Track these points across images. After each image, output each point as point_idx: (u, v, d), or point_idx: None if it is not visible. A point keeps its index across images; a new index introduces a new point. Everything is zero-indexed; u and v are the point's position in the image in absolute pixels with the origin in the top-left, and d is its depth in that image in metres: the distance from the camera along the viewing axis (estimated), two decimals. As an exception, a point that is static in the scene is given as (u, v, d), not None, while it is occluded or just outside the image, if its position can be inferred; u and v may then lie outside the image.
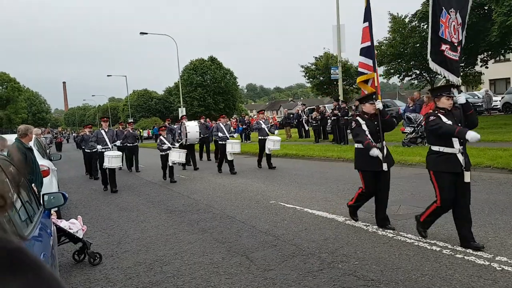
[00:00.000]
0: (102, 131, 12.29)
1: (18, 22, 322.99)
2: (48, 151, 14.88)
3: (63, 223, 5.48)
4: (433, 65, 5.51)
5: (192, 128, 16.24)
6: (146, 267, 5.24)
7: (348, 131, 19.92)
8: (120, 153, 12.07)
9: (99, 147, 11.96)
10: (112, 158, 11.29)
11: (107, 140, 12.15)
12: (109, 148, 12.10)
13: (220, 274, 4.81)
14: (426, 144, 14.69)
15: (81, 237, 5.56)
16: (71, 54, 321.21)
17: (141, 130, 52.43)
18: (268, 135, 14.09)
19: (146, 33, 37.91)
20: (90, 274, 5.19)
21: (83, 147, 16.63)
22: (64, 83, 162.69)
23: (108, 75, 68.74)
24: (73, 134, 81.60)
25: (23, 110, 79.64)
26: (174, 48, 38.51)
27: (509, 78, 34.78)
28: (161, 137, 13.10)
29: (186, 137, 15.60)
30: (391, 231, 5.91)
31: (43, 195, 3.91)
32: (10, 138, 6.95)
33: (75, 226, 5.58)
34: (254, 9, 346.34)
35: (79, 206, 9.98)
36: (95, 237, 6.71)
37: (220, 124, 14.28)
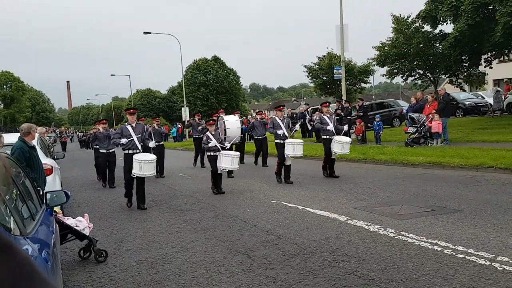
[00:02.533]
0: (129, 127, 8.95)
1: (19, 22, 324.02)
2: (52, 150, 14.95)
3: (70, 221, 5.51)
4: None
5: (233, 123, 13.36)
6: (148, 266, 5.27)
7: (352, 130, 19.94)
8: (155, 156, 8.98)
9: (123, 140, 8.80)
10: (145, 164, 8.49)
11: (135, 138, 8.89)
12: (139, 150, 8.89)
13: (221, 272, 4.83)
14: (429, 144, 14.73)
15: (87, 234, 5.60)
16: (74, 54, 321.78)
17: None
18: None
19: (150, 33, 38.04)
20: (92, 272, 5.22)
21: (96, 146, 13.70)
22: (67, 82, 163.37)
23: (111, 75, 68.96)
24: (77, 133, 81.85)
25: (27, 109, 79.96)
26: (176, 48, 38.74)
27: (514, 79, 34.64)
28: (209, 133, 10.18)
29: (225, 135, 12.53)
30: (392, 230, 5.92)
31: (46, 193, 3.94)
32: (14, 137, 7.00)
33: (81, 223, 5.61)
34: (256, 9, 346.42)
35: (82, 204, 10.02)
36: (97, 236, 6.72)
37: (277, 119, 11.15)
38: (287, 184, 10.55)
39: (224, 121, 13.19)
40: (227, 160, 9.71)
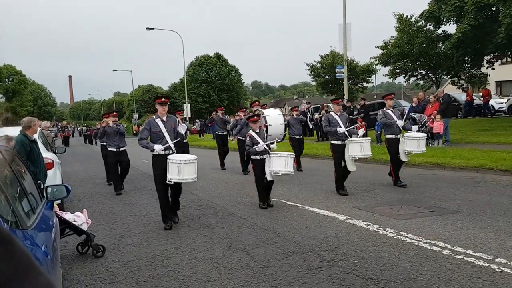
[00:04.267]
0: (158, 121, 7.00)
1: (23, 16, 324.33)
2: (53, 144, 14.94)
3: (68, 216, 5.53)
4: None
5: (275, 119, 10.96)
6: (147, 261, 5.28)
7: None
8: (195, 156, 7.02)
9: (157, 147, 6.85)
10: (185, 165, 6.61)
11: (167, 136, 6.92)
12: (172, 150, 6.99)
13: (220, 269, 4.85)
14: (430, 145, 14.72)
15: (85, 230, 5.62)
16: (77, 49, 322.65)
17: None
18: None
19: (152, 28, 37.99)
20: (91, 266, 5.24)
21: (103, 143, 11.89)
22: (70, 76, 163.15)
23: (113, 70, 68.97)
24: (79, 128, 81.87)
25: (28, 103, 79.95)
26: (178, 44, 38.68)
27: (516, 80, 34.63)
28: (252, 132, 8.05)
29: (266, 132, 10.07)
30: (391, 230, 5.93)
31: (47, 187, 3.95)
32: (15, 130, 7.01)
33: (80, 219, 5.64)
34: (258, 8, 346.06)
35: (82, 199, 10.04)
36: (97, 230, 6.75)
37: (333, 114, 8.96)
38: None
39: (265, 117, 10.71)
40: (280, 162, 7.80)
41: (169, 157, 6.69)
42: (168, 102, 7.19)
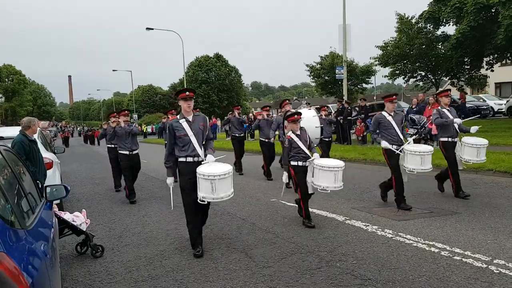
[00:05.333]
0: (183, 122, 5.50)
1: (23, 16, 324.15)
2: (52, 144, 14.94)
3: (67, 216, 5.54)
4: None
5: (309, 121, 9.62)
6: (146, 261, 5.29)
7: (352, 131, 19.95)
8: (230, 166, 5.41)
9: (169, 181, 5.86)
10: (219, 181, 5.18)
11: (193, 140, 5.47)
12: (200, 157, 5.50)
13: (219, 269, 4.85)
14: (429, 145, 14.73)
15: (84, 229, 5.62)
16: (76, 49, 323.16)
17: (145, 126, 52.42)
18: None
19: (152, 29, 38.04)
20: (90, 266, 5.24)
21: (110, 145, 10.93)
22: (69, 76, 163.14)
23: (113, 70, 68.84)
24: (78, 128, 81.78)
25: (28, 102, 79.97)
26: (178, 45, 38.67)
27: (515, 82, 34.68)
28: (292, 134, 6.71)
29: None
30: (390, 231, 5.93)
31: (46, 187, 3.95)
32: (15, 130, 7.02)
33: (78, 219, 5.65)
34: (258, 9, 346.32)
35: (81, 199, 10.04)
36: (96, 230, 6.76)
37: (385, 114, 7.46)
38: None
39: None
40: (328, 177, 6.35)
41: (198, 170, 5.22)
42: (194, 96, 5.61)
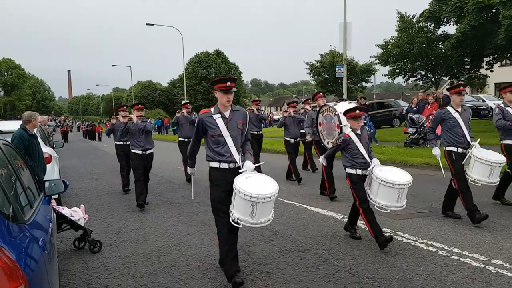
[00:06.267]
0: (219, 119, 4.41)
1: (23, 10, 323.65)
2: (51, 138, 14.92)
3: (65, 210, 5.54)
4: None
5: None
6: (144, 257, 5.29)
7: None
8: (276, 184, 4.27)
9: (190, 170, 5.16)
10: (263, 204, 4.05)
11: (229, 142, 4.40)
12: (236, 162, 4.42)
13: (217, 266, 4.85)
14: (428, 145, 14.75)
15: (82, 225, 5.62)
16: (76, 44, 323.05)
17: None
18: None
19: (152, 24, 37.91)
20: (88, 261, 5.24)
21: (119, 142, 10.13)
22: (69, 71, 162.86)
23: (113, 65, 68.65)
24: (77, 123, 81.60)
25: (27, 97, 79.87)
26: (178, 41, 38.61)
27: (515, 83, 34.72)
28: (352, 133, 5.58)
29: (341, 132, 7.54)
30: (388, 230, 5.94)
31: (44, 181, 3.95)
32: (15, 124, 7.01)
33: (77, 214, 5.65)
34: (259, 7, 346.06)
35: (79, 194, 10.03)
36: (94, 226, 6.76)
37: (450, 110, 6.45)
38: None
39: (338, 114, 7.79)
40: (391, 194, 5.18)
41: (236, 185, 4.03)
42: (234, 87, 4.42)
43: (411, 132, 15.61)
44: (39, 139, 7.13)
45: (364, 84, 38.30)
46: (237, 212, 4.12)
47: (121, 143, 10.10)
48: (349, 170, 5.53)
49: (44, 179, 4.22)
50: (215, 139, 4.40)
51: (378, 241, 5.18)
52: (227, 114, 4.44)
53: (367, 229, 5.49)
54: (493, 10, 18.31)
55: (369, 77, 37.47)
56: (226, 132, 4.37)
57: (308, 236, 5.85)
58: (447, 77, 25.33)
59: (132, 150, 8.41)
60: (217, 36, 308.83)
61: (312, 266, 4.73)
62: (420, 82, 26.70)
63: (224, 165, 4.40)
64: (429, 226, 6.11)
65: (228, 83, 4.32)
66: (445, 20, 21.18)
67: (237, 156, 4.40)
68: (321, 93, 9.05)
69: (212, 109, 4.49)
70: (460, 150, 6.26)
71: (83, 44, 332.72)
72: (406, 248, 5.23)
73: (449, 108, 6.35)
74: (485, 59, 22.17)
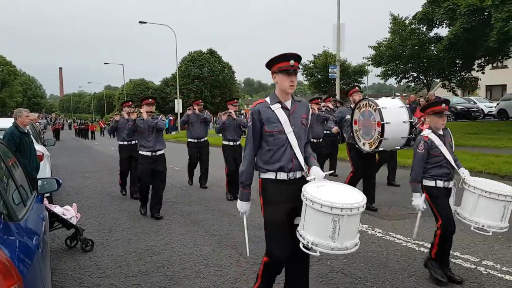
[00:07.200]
0: (278, 109, 3.31)
1: (17, 6, 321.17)
2: (42, 136, 14.81)
3: (57, 209, 5.51)
4: None
5: (396, 114, 6.75)
6: (136, 256, 5.27)
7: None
8: (362, 194, 3.02)
9: (241, 207, 3.62)
10: (348, 219, 2.82)
11: (294, 144, 3.28)
12: (303, 171, 3.35)
13: (210, 266, 4.85)
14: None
15: (74, 223, 5.59)
16: (68, 41, 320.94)
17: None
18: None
19: (145, 22, 37.81)
20: (80, 260, 5.21)
21: (123, 141, 9.02)
22: (60, 68, 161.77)
23: (105, 63, 68.42)
24: (69, 121, 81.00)
25: (18, 94, 79.13)
26: (171, 39, 38.50)
27: (506, 85, 34.97)
28: (433, 135, 4.36)
29: (382, 136, 6.54)
30: (380, 230, 5.97)
31: (37, 179, 3.92)
32: (7, 122, 6.94)
33: (69, 212, 5.61)
34: (252, 6, 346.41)
35: (71, 193, 9.97)
36: (86, 224, 6.72)
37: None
38: None
39: (379, 109, 6.49)
40: (495, 209, 4.00)
41: (307, 194, 2.94)
42: (298, 69, 3.37)
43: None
44: (31, 136, 7.07)
45: (356, 85, 38.43)
46: (310, 234, 2.95)
47: (126, 143, 8.94)
48: (428, 183, 4.32)
49: (37, 177, 4.19)
50: (274, 137, 3.29)
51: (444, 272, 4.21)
52: (288, 104, 3.36)
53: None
54: (485, 13, 18.48)
55: (362, 78, 37.66)
56: (289, 127, 3.28)
57: (301, 236, 5.86)
58: (439, 79, 25.52)
59: (140, 152, 7.21)
60: (209, 32, 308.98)
61: (305, 266, 4.74)
62: (412, 84, 26.87)
63: (283, 176, 3.28)
64: (421, 227, 6.13)
65: (292, 62, 3.24)
66: (437, 22, 21.36)
67: (303, 161, 3.33)
68: (356, 87, 7.69)
69: (267, 99, 3.43)
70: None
71: (75, 42, 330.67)
72: (398, 248, 5.26)
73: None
74: (476, 61, 22.36)
